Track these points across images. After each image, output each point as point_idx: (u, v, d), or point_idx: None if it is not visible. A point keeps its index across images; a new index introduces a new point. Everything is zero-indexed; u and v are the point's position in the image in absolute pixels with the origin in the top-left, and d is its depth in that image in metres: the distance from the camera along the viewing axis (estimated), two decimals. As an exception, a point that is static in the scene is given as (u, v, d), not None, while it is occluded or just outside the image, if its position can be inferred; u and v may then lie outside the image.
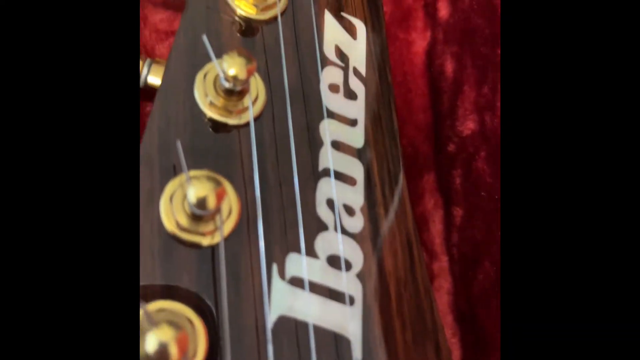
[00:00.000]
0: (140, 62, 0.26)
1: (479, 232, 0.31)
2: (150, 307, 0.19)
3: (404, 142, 0.35)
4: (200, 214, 0.20)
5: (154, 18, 0.32)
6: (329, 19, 0.26)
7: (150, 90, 0.26)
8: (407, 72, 0.36)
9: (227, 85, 0.22)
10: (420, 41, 0.36)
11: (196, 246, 0.21)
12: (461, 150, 0.32)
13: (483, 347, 0.31)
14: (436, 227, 0.34)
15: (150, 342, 0.18)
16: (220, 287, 0.20)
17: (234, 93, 0.22)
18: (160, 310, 0.19)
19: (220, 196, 0.20)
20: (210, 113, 0.23)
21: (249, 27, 0.25)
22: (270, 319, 0.21)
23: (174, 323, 0.18)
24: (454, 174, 0.33)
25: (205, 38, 0.22)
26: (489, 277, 0.30)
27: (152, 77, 0.26)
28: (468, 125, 0.32)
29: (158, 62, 0.26)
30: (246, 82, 0.22)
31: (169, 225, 0.21)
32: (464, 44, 0.32)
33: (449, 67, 0.34)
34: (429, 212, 0.35)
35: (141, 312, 0.18)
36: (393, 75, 0.35)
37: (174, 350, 0.18)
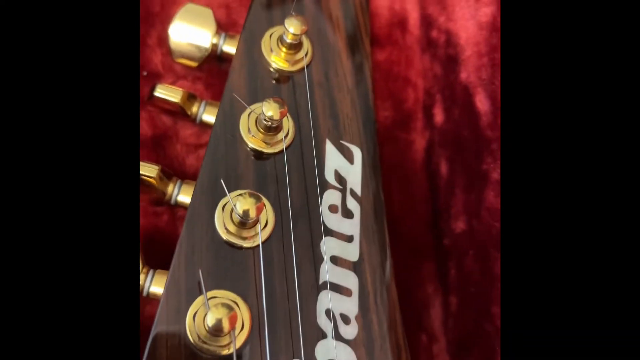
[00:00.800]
0: (172, 184, 0.31)
1: (469, 323, 0.34)
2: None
3: (406, 233, 0.39)
4: (217, 333, 0.24)
5: (185, 133, 0.37)
6: (329, 147, 0.31)
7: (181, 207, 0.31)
8: (408, 168, 0.40)
9: (240, 218, 0.26)
10: (420, 140, 0.40)
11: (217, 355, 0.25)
12: (454, 245, 0.36)
13: None
14: (436, 310, 0.38)
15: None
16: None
17: (247, 224, 0.27)
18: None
19: (233, 319, 0.24)
20: (227, 237, 0.27)
21: (259, 158, 0.29)
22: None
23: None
24: (449, 265, 0.36)
25: (222, 182, 0.27)
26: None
27: (182, 196, 0.31)
28: (459, 225, 0.35)
29: (187, 183, 0.31)
30: (257, 217, 0.26)
31: (192, 337, 0.25)
32: (456, 150, 0.36)
33: (444, 168, 0.37)
34: (429, 296, 0.38)
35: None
36: (395, 172, 0.39)
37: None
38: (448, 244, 0.37)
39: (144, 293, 0.28)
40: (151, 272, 0.28)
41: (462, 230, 0.35)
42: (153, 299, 0.28)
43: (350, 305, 0.28)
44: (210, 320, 0.24)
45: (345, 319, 0.27)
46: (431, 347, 0.37)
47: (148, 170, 0.30)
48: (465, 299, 0.35)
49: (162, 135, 0.36)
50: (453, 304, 0.36)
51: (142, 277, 0.28)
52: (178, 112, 0.32)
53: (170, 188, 0.30)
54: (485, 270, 0.33)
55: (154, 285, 0.28)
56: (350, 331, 0.27)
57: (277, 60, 0.32)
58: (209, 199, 0.27)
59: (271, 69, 0.32)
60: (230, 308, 0.24)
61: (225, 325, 0.24)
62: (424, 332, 0.37)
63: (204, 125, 0.33)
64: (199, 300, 0.26)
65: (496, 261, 0.31)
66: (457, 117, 0.36)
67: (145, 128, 0.36)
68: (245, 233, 0.27)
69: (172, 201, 0.31)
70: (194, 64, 0.35)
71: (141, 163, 0.30)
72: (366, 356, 0.27)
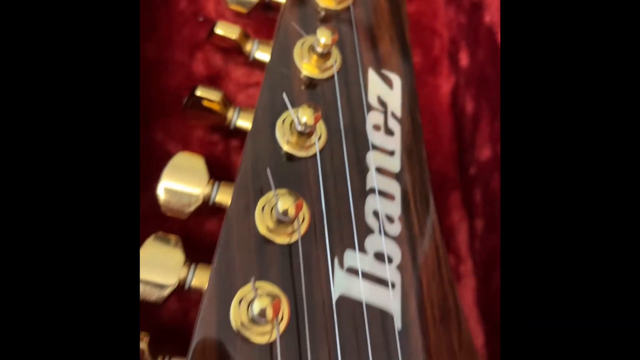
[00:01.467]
0: (232, 110, 0.34)
1: (497, 240, 0.38)
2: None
3: (434, 169, 0.43)
4: (283, 220, 0.28)
5: (236, 73, 0.41)
6: (372, 75, 0.34)
7: (238, 132, 0.34)
8: (436, 111, 0.43)
9: (299, 128, 0.30)
10: (446, 85, 0.44)
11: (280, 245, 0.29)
12: (480, 172, 0.40)
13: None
14: (462, 236, 0.42)
15: (255, 306, 0.26)
16: (299, 275, 0.28)
17: (304, 134, 0.31)
18: (260, 287, 0.27)
19: (298, 207, 0.28)
20: (287, 148, 0.31)
21: (312, 84, 0.33)
22: (334, 297, 0.29)
23: (271, 294, 0.26)
24: (475, 192, 0.40)
25: (285, 95, 0.30)
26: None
27: (241, 121, 0.34)
28: (485, 153, 0.39)
29: (244, 110, 0.35)
30: (314, 126, 0.30)
31: (262, 229, 0.29)
32: (481, 87, 0.40)
33: (469, 106, 0.41)
34: (456, 224, 0.42)
35: (250, 285, 0.26)
36: (424, 114, 0.43)
37: (270, 312, 0.26)
38: (474, 173, 0.40)
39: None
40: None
41: (487, 157, 0.39)
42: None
43: (394, 208, 0.32)
44: (280, 207, 0.28)
45: (390, 219, 0.31)
46: (458, 268, 0.41)
47: (213, 95, 0.33)
48: (490, 220, 0.39)
49: (216, 75, 0.40)
50: (479, 227, 0.40)
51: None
52: (234, 49, 0.36)
53: (230, 113, 0.34)
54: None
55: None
56: (394, 229, 0.31)
57: (326, 2, 0.36)
58: (269, 116, 0.31)
59: (319, 9, 0.36)
60: (296, 197, 0.28)
61: (292, 212, 0.28)
62: (451, 253, 0.41)
63: (256, 63, 0.37)
64: (266, 197, 0.29)
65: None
66: (481, 57, 0.40)
67: (201, 68, 0.40)
68: (302, 142, 0.31)
69: (232, 126, 0.34)
70: (244, 10, 0.38)
71: (204, 88, 0.33)
72: (409, 251, 0.31)
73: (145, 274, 0.29)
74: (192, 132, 0.39)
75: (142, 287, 0.28)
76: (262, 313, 0.26)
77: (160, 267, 0.29)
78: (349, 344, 0.28)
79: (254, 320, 0.26)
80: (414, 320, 0.30)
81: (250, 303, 0.27)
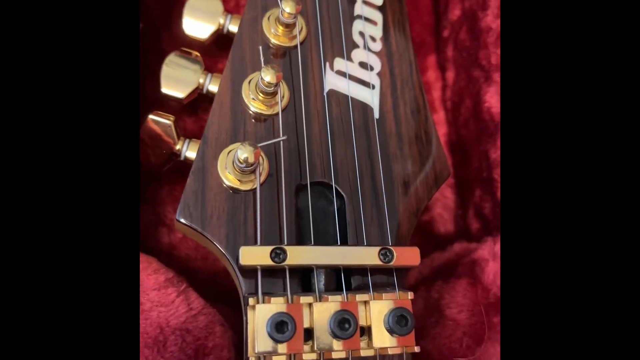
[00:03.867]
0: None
1: (464, 82, 0.45)
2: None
3: (414, 35, 0.50)
4: (287, 22, 0.35)
5: None
6: None
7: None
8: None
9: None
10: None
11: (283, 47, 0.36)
12: (451, 32, 0.46)
13: (467, 161, 0.45)
14: (437, 92, 0.49)
15: (264, 75, 0.33)
16: (298, 71, 0.35)
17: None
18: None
19: (297, 10, 0.35)
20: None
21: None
22: (325, 89, 0.36)
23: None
24: (446, 50, 0.47)
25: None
26: (470, 109, 0.44)
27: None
28: (455, 13, 0.46)
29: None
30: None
31: (269, 35, 0.36)
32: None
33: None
34: (432, 83, 0.49)
35: (258, 72, 0.33)
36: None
37: (274, 79, 0.33)
38: (446, 35, 0.47)
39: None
40: None
41: (458, 15, 0.46)
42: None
43: (376, 31, 0.39)
44: (285, 6, 0.34)
45: (373, 38, 0.38)
46: (433, 116, 0.48)
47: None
48: (460, 67, 0.46)
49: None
50: (450, 78, 0.47)
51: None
52: None
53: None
54: (474, 34, 0.43)
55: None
56: (376, 46, 0.38)
57: None
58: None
59: None
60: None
61: (294, 9, 0.34)
62: (427, 105, 0.48)
63: None
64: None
65: (485, 17, 0.42)
66: None
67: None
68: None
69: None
70: None
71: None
72: (387, 63, 0.38)
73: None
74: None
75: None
76: (270, 85, 0.33)
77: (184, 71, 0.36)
78: (336, 124, 0.35)
79: (264, 93, 0.33)
80: (389, 112, 0.37)
81: (258, 81, 0.33)
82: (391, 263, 0.31)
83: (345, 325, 0.29)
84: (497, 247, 0.36)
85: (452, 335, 0.33)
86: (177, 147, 0.35)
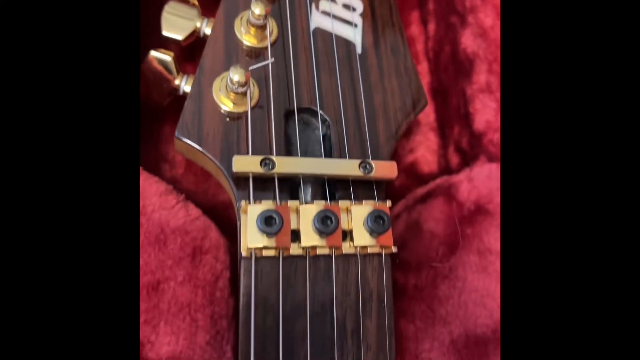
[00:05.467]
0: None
1: (443, 31, 0.48)
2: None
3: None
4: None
5: None
6: None
7: None
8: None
9: None
10: None
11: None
12: (433, -15, 0.50)
13: (446, 102, 0.48)
14: (420, 45, 0.52)
15: (253, 7, 0.36)
16: (285, 10, 0.39)
17: None
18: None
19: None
20: None
21: None
22: (311, 27, 0.39)
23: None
24: (428, 4, 0.50)
25: None
26: (448, 54, 0.47)
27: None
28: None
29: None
30: None
31: None
32: None
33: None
34: (415, 37, 0.52)
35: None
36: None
37: (263, 11, 0.36)
38: (429, -10, 0.51)
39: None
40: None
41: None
42: None
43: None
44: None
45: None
46: (417, 67, 0.51)
47: None
48: (440, 19, 0.49)
49: None
50: (431, 30, 0.50)
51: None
52: None
53: None
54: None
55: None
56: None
57: None
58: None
59: None
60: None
61: None
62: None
63: None
64: None
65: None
66: None
67: None
68: None
69: None
70: None
71: None
72: (369, 6, 0.41)
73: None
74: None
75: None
76: (259, 17, 0.36)
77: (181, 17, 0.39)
78: (322, 58, 0.38)
79: (254, 25, 0.37)
80: (371, 48, 0.40)
81: (249, 16, 0.37)
82: (371, 174, 0.35)
83: (328, 222, 0.32)
84: (474, 172, 0.39)
85: (429, 245, 0.36)
86: (177, 82, 0.38)
